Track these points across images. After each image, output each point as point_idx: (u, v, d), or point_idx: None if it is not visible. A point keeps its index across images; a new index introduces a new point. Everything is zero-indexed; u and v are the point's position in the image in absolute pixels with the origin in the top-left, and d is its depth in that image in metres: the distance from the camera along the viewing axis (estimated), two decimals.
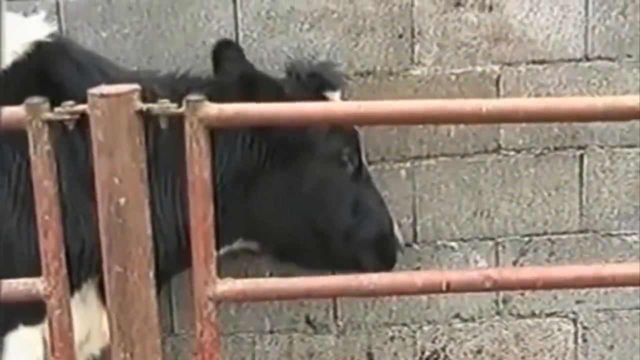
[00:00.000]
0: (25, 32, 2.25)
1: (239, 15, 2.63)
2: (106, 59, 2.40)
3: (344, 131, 2.47)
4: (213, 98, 1.57)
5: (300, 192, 2.42)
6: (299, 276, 2.11)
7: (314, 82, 2.43)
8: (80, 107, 1.57)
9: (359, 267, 2.47)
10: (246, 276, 2.64)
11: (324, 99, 2.43)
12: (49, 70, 2.20)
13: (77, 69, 2.23)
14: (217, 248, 1.70)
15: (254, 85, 2.30)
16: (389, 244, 2.56)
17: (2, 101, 1.55)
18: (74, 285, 2.12)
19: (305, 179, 2.42)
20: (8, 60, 2.16)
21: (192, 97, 1.55)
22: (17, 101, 1.54)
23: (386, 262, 2.57)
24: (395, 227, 2.60)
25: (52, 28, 2.32)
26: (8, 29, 2.11)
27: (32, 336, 2.16)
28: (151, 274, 1.62)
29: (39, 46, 2.23)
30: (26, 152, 1.59)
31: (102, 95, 1.55)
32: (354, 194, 2.49)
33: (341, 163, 2.47)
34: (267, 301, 2.77)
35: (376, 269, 2.43)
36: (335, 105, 1.68)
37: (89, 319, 2.27)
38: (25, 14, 2.44)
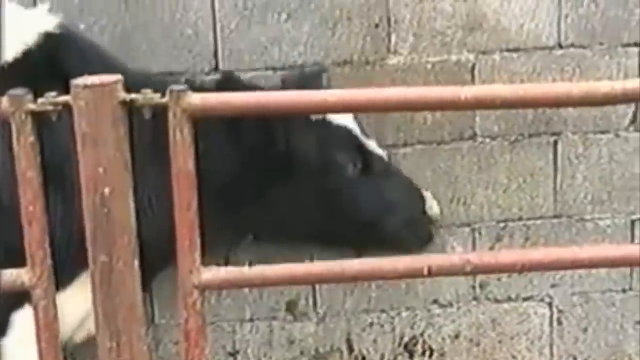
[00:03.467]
0: (34, 23, 2.27)
1: (217, 6, 2.64)
2: (108, 52, 2.42)
3: (332, 134, 2.48)
4: None
5: (305, 206, 2.45)
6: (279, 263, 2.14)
7: None
8: (63, 98, 1.58)
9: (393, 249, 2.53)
10: (226, 264, 2.66)
11: None
12: (58, 62, 2.21)
13: (83, 61, 2.24)
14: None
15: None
16: (418, 227, 2.60)
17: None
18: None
19: (305, 196, 2.45)
20: (19, 50, 2.19)
21: (175, 87, 1.57)
22: None
23: (419, 243, 2.62)
24: (428, 200, 2.62)
25: (58, 19, 2.33)
26: (18, 21, 2.14)
27: None
28: (136, 263, 1.63)
29: (48, 37, 2.26)
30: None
31: (85, 86, 1.56)
32: (365, 192, 2.50)
33: (338, 169, 2.47)
34: (248, 289, 2.80)
35: (412, 248, 2.55)
36: (315, 94, 1.71)
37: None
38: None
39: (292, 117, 2.39)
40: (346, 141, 2.50)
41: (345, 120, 2.51)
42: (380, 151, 2.59)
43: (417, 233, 2.62)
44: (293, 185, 2.44)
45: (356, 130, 2.54)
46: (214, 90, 2.42)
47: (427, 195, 2.67)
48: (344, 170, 2.48)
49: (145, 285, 2.37)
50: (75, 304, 2.20)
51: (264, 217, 2.47)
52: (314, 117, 2.47)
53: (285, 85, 2.50)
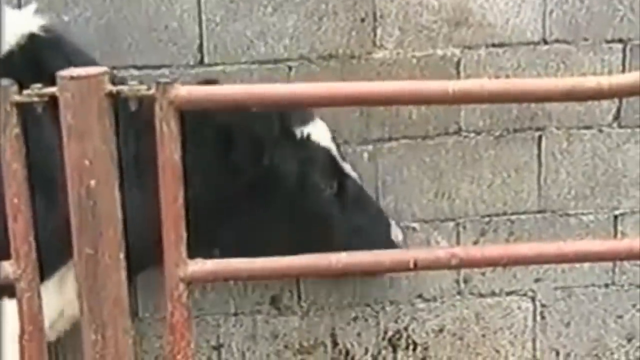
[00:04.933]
0: (18, 24, 2.27)
1: None
2: (91, 54, 2.41)
3: (313, 154, 2.50)
4: None
5: (278, 222, 2.49)
6: None
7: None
8: (50, 89, 1.57)
9: None
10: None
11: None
12: (42, 62, 2.20)
13: (68, 62, 2.23)
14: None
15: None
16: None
17: None
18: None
19: (280, 214, 2.49)
20: (2, 51, 2.19)
21: (162, 79, 1.56)
22: None
23: None
24: (392, 226, 2.65)
25: (45, 20, 2.32)
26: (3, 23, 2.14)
27: None
28: (122, 256, 1.63)
29: (32, 38, 2.25)
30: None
31: (71, 78, 1.55)
32: (337, 213, 2.54)
33: (316, 190, 2.50)
34: (232, 283, 2.80)
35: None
36: (304, 87, 1.71)
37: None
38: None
39: (278, 133, 2.44)
40: (326, 162, 2.53)
41: (324, 140, 2.54)
42: (354, 174, 2.62)
43: None
44: (270, 202, 2.47)
45: (334, 151, 2.57)
46: None
47: (392, 222, 2.69)
48: (321, 191, 2.51)
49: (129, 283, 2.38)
50: (54, 297, 2.19)
51: (237, 232, 2.48)
52: (298, 135, 2.49)
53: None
